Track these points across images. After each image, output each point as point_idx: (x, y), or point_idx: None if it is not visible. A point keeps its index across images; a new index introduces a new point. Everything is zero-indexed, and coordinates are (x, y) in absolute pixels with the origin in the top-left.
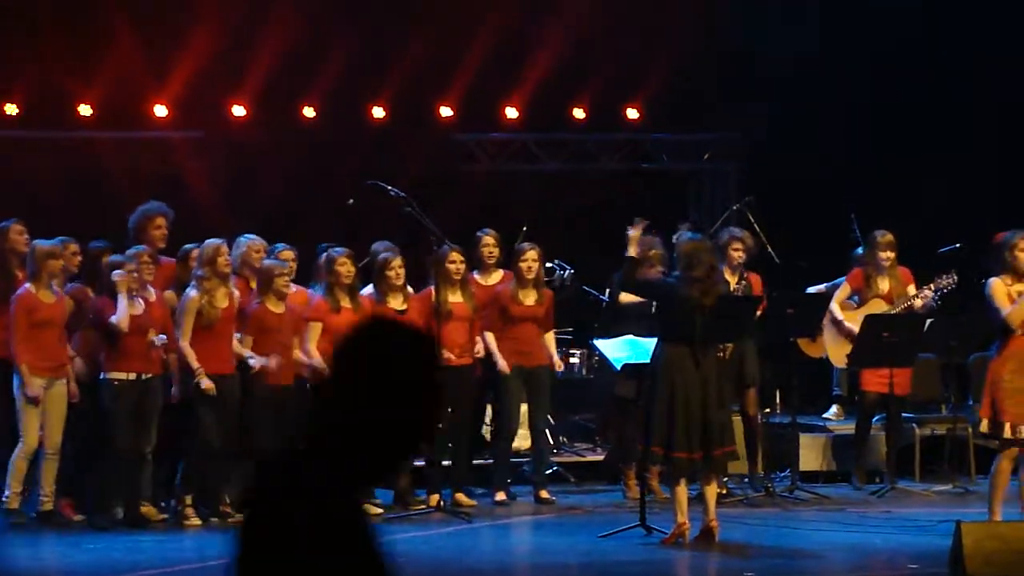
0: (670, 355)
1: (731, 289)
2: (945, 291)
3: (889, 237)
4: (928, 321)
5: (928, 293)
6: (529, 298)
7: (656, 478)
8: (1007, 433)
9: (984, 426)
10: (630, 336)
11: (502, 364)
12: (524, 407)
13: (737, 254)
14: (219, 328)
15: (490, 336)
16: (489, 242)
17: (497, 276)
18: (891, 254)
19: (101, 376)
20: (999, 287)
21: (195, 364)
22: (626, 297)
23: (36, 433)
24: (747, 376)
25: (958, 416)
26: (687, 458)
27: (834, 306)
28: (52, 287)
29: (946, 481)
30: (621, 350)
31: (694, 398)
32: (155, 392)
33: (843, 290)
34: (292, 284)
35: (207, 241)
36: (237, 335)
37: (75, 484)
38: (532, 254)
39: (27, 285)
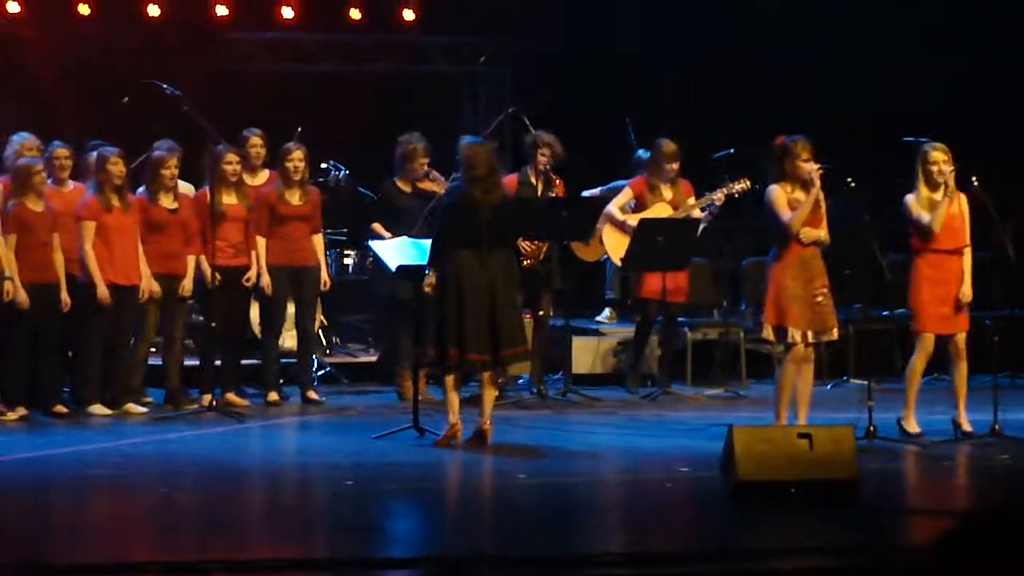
0: (456, 258)
1: (537, 192)
2: (738, 196)
3: (673, 147)
4: (701, 227)
5: (719, 197)
6: (295, 198)
7: (425, 380)
8: (791, 338)
9: (768, 332)
10: (405, 237)
11: (266, 280)
12: (291, 307)
13: (544, 158)
14: None
15: (260, 243)
16: (256, 142)
17: (263, 176)
18: (675, 164)
19: None
20: (779, 194)
21: None
22: (377, 228)
23: None
24: (549, 281)
25: (730, 321)
26: (478, 359)
27: (614, 210)
28: None
29: (717, 385)
30: (396, 251)
31: (482, 300)
32: None
33: (624, 195)
34: (71, 181)
35: None
36: None
37: None
38: (298, 154)
39: None
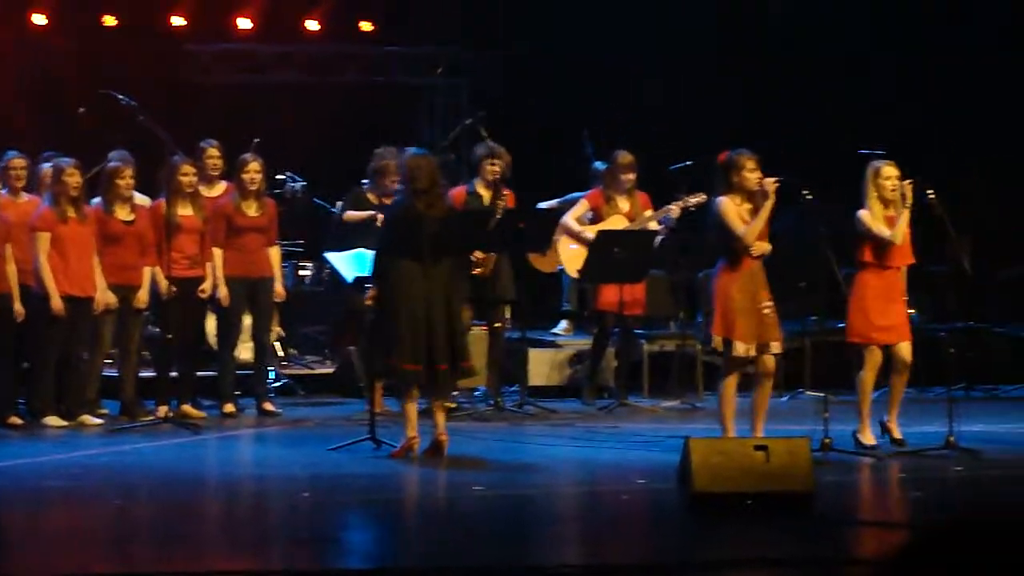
0: (397, 269)
1: (485, 204)
2: (692, 209)
3: (630, 158)
4: (658, 238)
5: (675, 210)
6: (251, 209)
7: (382, 392)
8: (737, 351)
9: (717, 343)
10: (360, 249)
11: (223, 292)
12: (248, 319)
13: (493, 168)
14: None
15: (217, 254)
16: (213, 154)
17: (220, 188)
18: (631, 175)
19: None
20: (730, 206)
21: None
22: (351, 215)
23: None
24: (501, 291)
25: (687, 333)
26: (414, 370)
27: (570, 221)
28: None
29: (674, 397)
30: (352, 263)
31: (420, 311)
32: None
33: (580, 207)
34: (24, 193)
35: None
36: None
37: None
38: (255, 165)
39: None
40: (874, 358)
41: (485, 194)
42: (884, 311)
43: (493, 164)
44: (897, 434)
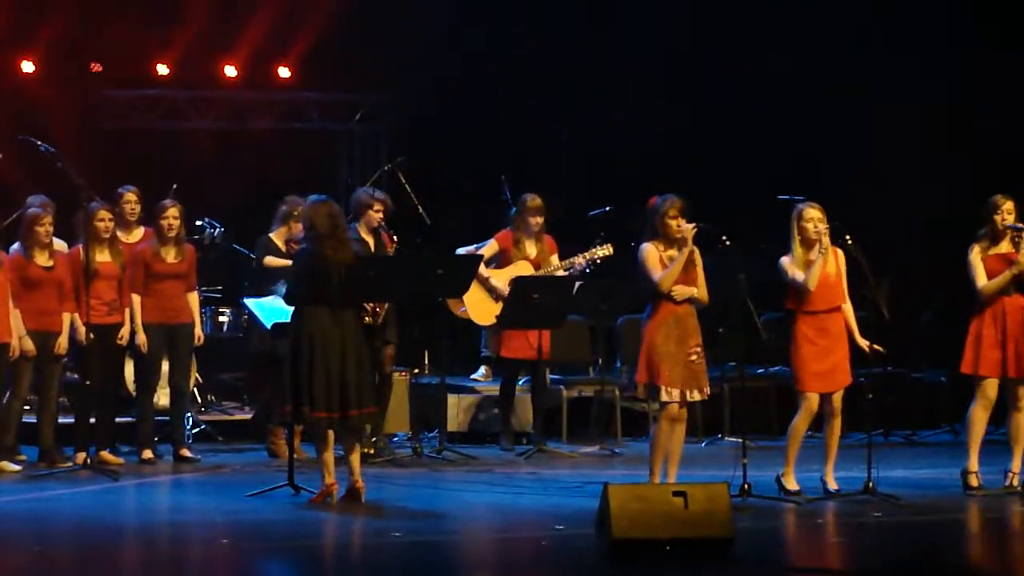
0: (308, 316)
1: (369, 250)
2: (599, 261)
3: (538, 201)
4: (577, 284)
5: (580, 261)
6: (170, 255)
7: (299, 438)
8: (664, 396)
9: (640, 391)
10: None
11: (141, 339)
12: (166, 365)
13: (376, 215)
14: None
15: (136, 300)
16: (131, 199)
17: (138, 234)
18: (539, 219)
19: None
20: (652, 252)
21: None
22: (272, 261)
23: None
24: (385, 336)
25: (605, 378)
26: (326, 418)
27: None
28: None
29: (593, 443)
30: (271, 309)
31: (333, 358)
32: None
33: (489, 248)
34: None
35: None
36: None
37: None
38: (173, 211)
39: None
40: (808, 405)
41: (368, 239)
42: (820, 357)
43: (376, 210)
44: (834, 485)
